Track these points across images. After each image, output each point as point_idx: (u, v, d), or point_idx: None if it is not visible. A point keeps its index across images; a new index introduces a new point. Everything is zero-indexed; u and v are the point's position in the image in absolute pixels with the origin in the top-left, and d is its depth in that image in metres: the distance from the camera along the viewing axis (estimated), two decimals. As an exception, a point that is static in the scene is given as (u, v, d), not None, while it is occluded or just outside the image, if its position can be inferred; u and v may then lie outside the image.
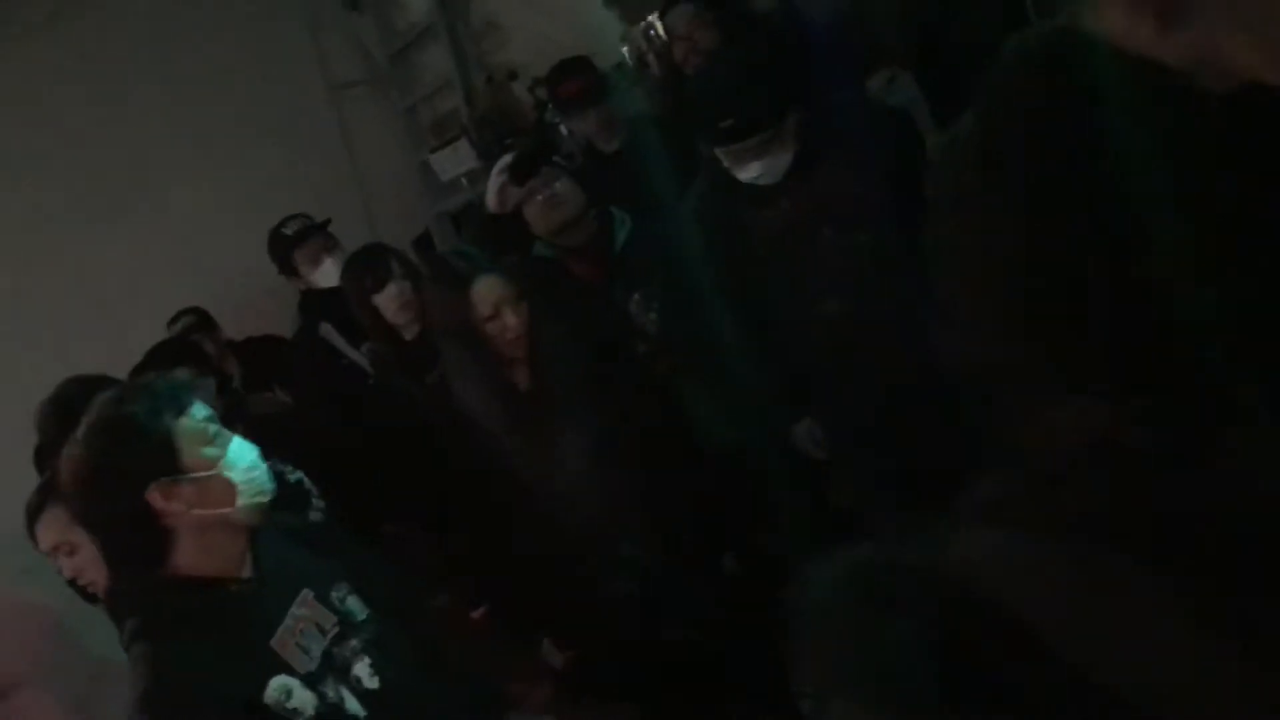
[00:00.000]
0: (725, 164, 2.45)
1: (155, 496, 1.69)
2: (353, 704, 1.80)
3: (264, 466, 1.82)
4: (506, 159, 3.10)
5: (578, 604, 2.64)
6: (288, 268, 3.74)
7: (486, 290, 2.61)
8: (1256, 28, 0.81)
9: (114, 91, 4.63)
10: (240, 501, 1.76)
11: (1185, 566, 0.65)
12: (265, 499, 1.81)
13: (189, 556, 1.75)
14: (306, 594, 1.85)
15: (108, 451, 1.69)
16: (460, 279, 2.68)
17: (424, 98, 5.37)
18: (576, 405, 2.62)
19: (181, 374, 3.21)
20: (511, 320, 2.58)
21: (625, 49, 4.02)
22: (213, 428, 1.76)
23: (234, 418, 3.18)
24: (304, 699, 1.73)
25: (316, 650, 1.80)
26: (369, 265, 3.11)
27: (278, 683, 1.71)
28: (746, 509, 2.82)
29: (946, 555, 0.70)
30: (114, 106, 4.61)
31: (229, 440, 1.79)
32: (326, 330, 3.60)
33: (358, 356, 3.52)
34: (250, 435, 1.87)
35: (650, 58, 3.85)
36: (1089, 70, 0.79)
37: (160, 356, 3.33)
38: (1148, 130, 0.77)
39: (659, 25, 3.73)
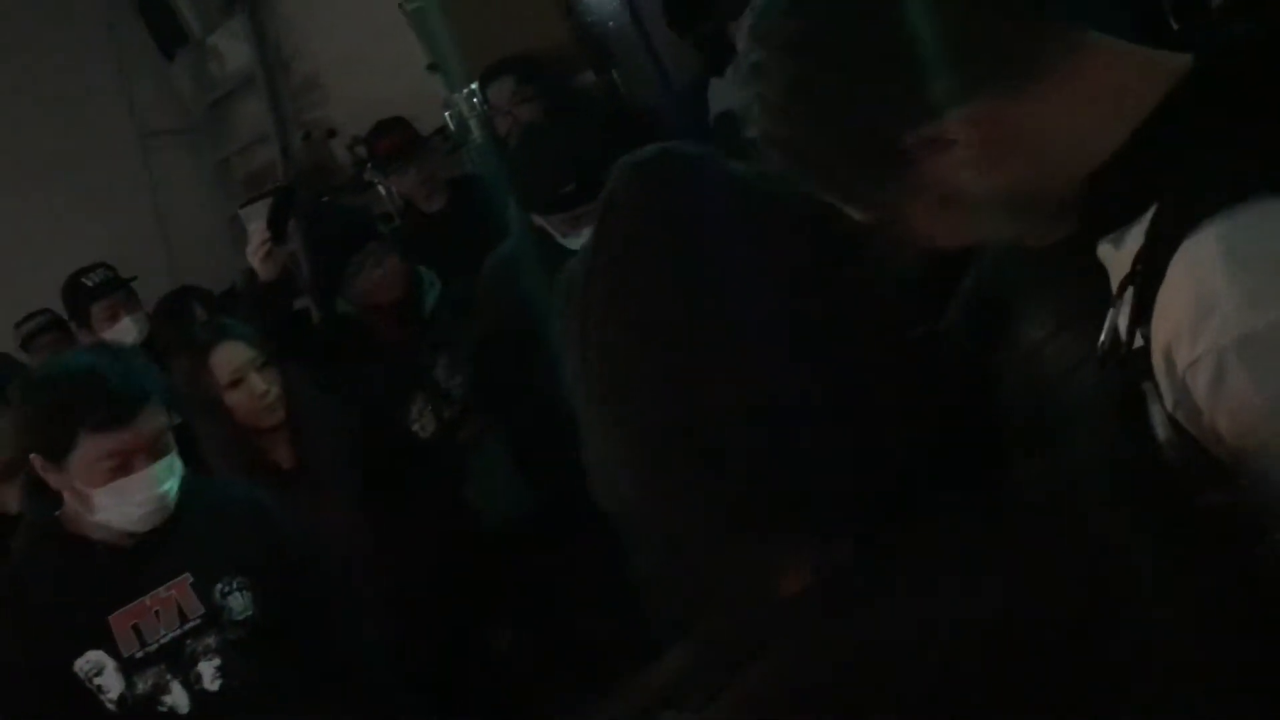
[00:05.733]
0: (556, 230, 2.39)
1: (36, 461, 1.74)
2: (179, 698, 1.77)
3: (148, 508, 1.76)
4: (257, 223, 2.71)
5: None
6: (81, 318, 3.54)
7: (227, 357, 2.38)
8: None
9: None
10: (100, 518, 1.76)
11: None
12: (133, 527, 1.79)
13: (70, 514, 1.80)
14: (185, 578, 1.82)
15: (21, 407, 1.80)
16: (201, 346, 2.42)
17: (238, 151, 5.28)
18: (341, 484, 2.46)
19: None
20: (259, 386, 2.36)
21: (448, 114, 4.06)
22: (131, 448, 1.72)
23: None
24: (111, 681, 1.72)
25: (154, 639, 1.77)
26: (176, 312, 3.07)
27: (93, 656, 1.72)
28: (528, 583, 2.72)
29: None
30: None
31: (157, 459, 1.74)
32: None
33: None
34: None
35: (473, 124, 3.90)
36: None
37: None
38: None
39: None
